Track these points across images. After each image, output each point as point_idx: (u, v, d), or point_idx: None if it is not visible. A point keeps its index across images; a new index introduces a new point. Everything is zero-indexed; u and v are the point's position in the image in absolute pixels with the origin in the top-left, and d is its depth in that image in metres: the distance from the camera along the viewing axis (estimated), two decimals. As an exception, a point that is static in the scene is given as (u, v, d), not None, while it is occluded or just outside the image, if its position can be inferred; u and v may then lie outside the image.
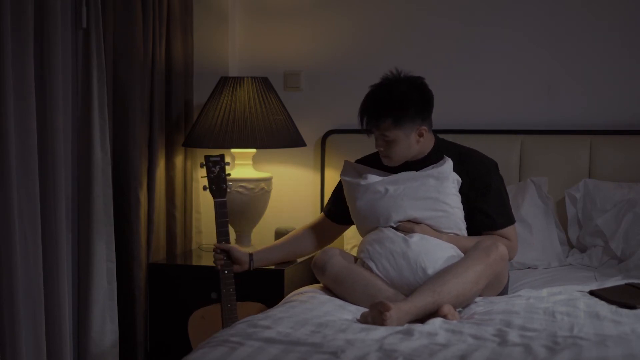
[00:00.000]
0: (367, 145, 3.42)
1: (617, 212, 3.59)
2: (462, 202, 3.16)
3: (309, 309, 2.85)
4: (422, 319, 2.77)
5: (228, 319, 3.26)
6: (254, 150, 3.90)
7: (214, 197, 3.34)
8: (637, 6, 3.82)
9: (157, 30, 3.82)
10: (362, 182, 3.17)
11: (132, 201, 3.70)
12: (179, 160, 4.02)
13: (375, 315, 2.71)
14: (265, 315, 2.77)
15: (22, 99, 3.02)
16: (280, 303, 3.12)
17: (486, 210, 3.16)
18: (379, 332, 2.56)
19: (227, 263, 3.32)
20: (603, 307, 2.80)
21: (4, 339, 2.97)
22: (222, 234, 3.34)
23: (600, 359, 2.26)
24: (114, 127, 3.63)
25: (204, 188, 3.37)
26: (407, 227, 3.09)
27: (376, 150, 3.25)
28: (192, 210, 4.13)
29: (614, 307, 2.81)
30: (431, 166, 3.14)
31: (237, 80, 3.81)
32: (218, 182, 3.36)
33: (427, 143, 3.18)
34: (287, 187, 4.15)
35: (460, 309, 2.91)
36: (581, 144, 3.80)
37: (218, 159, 3.38)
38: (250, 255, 3.37)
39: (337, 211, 3.37)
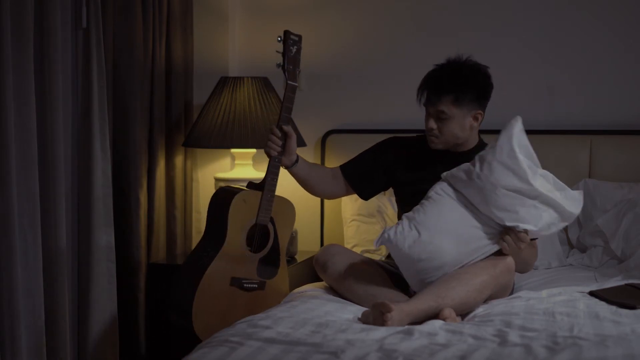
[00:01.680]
0: (367, 145, 3.42)
1: (617, 212, 3.59)
2: None
3: (310, 309, 2.85)
4: (422, 320, 2.76)
5: (264, 209, 3.18)
6: (254, 150, 3.90)
7: (287, 78, 3.15)
8: (637, 6, 3.82)
9: (157, 30, 3.82)
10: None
11: (132, 201, 3.70)
12: (179, 160, 4.02)
13: (377, 316, 2.71)
14: (266, 315, 2.77)
15: (22, 99, 3.02)
16: (280, 302, 3.12)
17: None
18: (379, 332, 2.56)
19: (280, 152, 3.15)
20: (603, 308, 2.80)
21: (4, 339, 2.97)
22: (284, 120, 3.13)
23: (600, 359, 2.26)
24: (114, 127, 3.63)
25: (278, 66, 3.15)
26: (525, 238, 2.91)
27: (415, 135, 3.25)
28: (192, 210, 4.14)
29: (614, 308, 2.81)
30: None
31: (237, 80, 3.81)
32: (294, 64, 3.17)
33: (474, 135, 3.16)
34: (287, 187, 4.15)
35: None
36: (581, 144, 3.80)
37: (297, 38, 3.18)
38: (297, 157, 3.22)
39: (355, 171, 3.30)
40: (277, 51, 3.14)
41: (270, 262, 3.27)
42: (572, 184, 3.74)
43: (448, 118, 3.05)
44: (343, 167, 3.34)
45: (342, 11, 4.13)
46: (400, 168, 3.24)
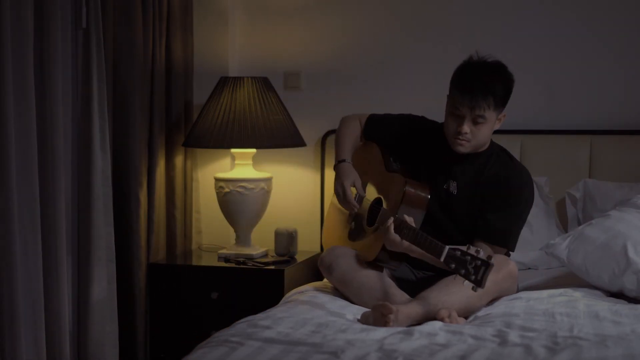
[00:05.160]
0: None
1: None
2: (478, 208, 3.03)
3: (309, 309, 2.85)
4: (421, 323, 2.76)
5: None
6: (254, 150, 3.90)
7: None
8: (637, 6, 3.82)
9: (157, 30, 3.82)
10: None
11: (132, 201, 3.70)
12: (179, 160, 4.02)
13: (377, 317, 2.70)
14: (266, 315, 2.77)
15: (22, 99, 3.02)
16: (280, 303, 3.12)
17: (493, 220, 2.99)
18: (379, 332, 2.57)
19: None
20: (603, 308, 2.80)
21: (4, 338, 2.97)
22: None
23: (600, 359, 2.26)
24: (114, 127, 3.63)
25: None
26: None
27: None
28: (192, 210, 4.14)
29: (614, 307, 2.81)
30: None
31: (237, 80, 3.81)
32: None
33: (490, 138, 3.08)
34: (287, 187, 4.15)
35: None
36: (581, 144, 3.80)
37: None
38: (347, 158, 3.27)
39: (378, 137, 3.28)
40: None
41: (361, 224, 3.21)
42: (572, 184, 3.74)
43: (484, 122, 2.94)
44: (368, 134, 3.32)
45: (342, 11, 4.12)
46: (419, 162, 3.14)
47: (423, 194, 3.04)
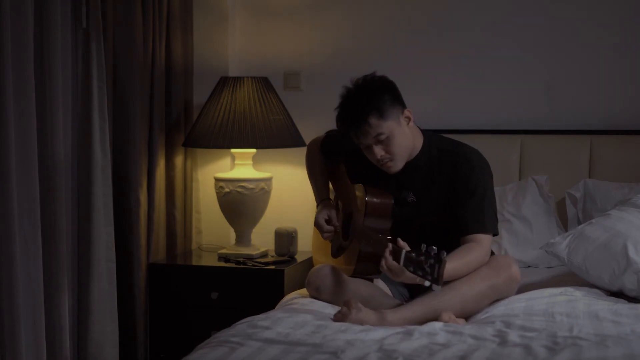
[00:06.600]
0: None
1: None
2: (442, 207, 2.98)
3: (309, 310, 2.85)
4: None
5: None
6: (254, 150, 3.90)
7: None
8: (637, 6, 3.82)
9: (157, 30, 3.82)
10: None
11: (132, 201, 3.70)
12: (179, 160, 4.02)
13: (341, 313, 2.75)
14: (265, 315, 2.77)
15: (22, 99, 3.02)
16: (278, 305, 3.12)
17: (462, 214, 2.93)
18: (379, 332, 2.57)
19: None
20: (603, 308, 2.80)
21: (4, 339, 2.97)
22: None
23: (600, 359, 2.26)
24: (114, 127, 3.63)
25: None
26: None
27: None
28: (192, 210, 4.14)
29: (614, 307, 2.81)
30: None
31: (237, 80, 3.81)
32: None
33: (416, 134, 3.01)
34: (287, 187, 4.15)
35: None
36: (581, 144, 3.80)
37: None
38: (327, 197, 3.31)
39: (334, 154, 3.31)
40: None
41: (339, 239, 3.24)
42: (572, 184, 3.74)
43: (389, 135, 2.90)
44: (325, 151, 3.35)
45: (341, 11, 4.12)
46: (373, 177, 3.09)
47: (386, 200, 3.03)
